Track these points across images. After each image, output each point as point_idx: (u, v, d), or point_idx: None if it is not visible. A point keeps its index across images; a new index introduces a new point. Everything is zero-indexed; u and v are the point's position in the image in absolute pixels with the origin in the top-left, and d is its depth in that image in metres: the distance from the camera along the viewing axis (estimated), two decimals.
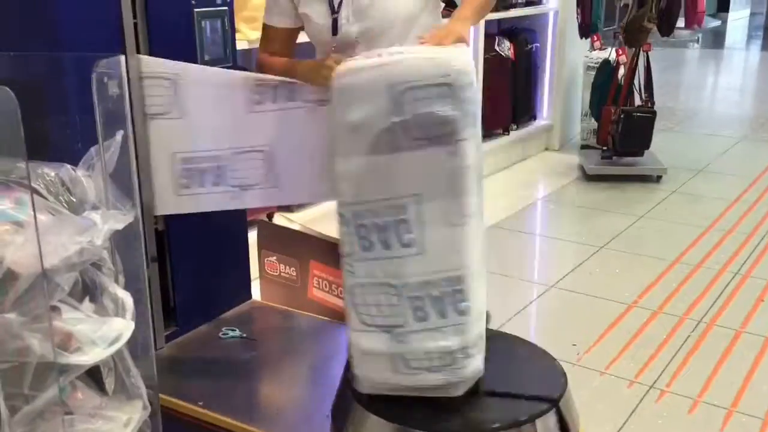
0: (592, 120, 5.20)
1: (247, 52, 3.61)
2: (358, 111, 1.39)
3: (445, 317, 1.41)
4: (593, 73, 5.19)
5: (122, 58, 1.13)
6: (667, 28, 4.81)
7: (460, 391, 1.47)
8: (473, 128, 1.40)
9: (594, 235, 3.88)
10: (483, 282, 1.52)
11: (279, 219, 3.31)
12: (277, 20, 1.98)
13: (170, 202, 1.91)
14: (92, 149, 1.10)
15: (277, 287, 2.69)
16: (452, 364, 1.43)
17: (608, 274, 3.44)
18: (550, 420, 1.46)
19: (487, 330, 1.70)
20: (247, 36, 3.01)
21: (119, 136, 1.09)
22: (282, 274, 2.69)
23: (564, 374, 1.59)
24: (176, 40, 2.01)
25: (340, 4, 1.80)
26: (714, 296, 3.17)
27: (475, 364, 1.46)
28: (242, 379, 1.99)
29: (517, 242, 3.90)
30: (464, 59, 1.39)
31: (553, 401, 1.49)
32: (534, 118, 5.58)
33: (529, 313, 3.09)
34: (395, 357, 1.45)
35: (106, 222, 1.01)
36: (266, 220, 3.31)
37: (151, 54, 1.93)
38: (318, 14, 1.85)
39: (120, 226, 1.04)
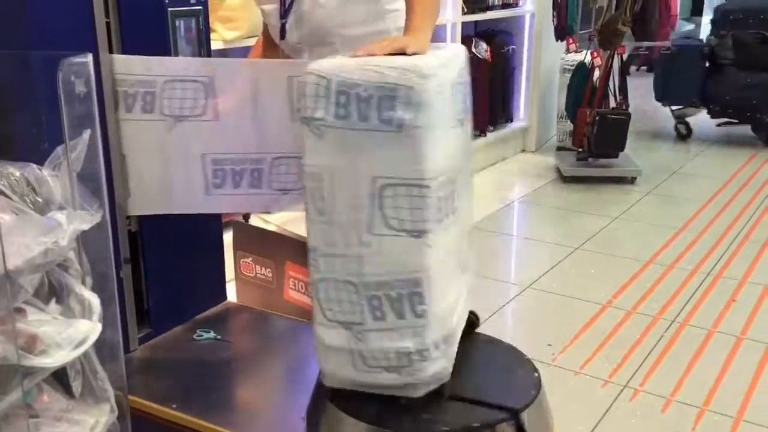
0: (568, 122, 5.24)
1: (222, 52, 3.60)
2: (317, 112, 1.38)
3: (403, 318, 1.41)
4: (569, 75, 5.23)
5: (89, 56, 1.11)
6: (641, 31, 4.86)
7: (418, 393, 1.46)
8: (435, 131, 1.38)
9: (569, 236, 3.91)
10: (457, 285, 1.52)
11: (255, 220, 3.29)
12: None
13: (198, 202, 1.93)
14: (58, 148, 1.08)
15: (253, 288, 2.67)
16: (409, 366, 1.43)
17: (583, 275, 3.46)
18: (507, 430, 1.47)
19: (473, 333, 1.71)
20: (223, 36, 2.99)
21: (86, 135, 1.07)
22: (258, 275, 2.67)
23: (537, 384, 1.58)
24: (149, 39, 1.99)
25: (288, 9, 1.80)
26: (687, 296, 3.21)
27: (435, 367, 1.45)
28: (217, 381, 1.97)
29: (494, 243, 3.91)
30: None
31: (514, 412, 1.48)
32: (510, 119, 5.61)
33: (505, 314, 3.10)
34: (354, 353, 1.46)
35: (72, 222, 0.99)
36: (242, 221, 3.30)
37: (123, 52, 1.91)
38: (271, 14, 1.86)
39: (86, 226, 1.02)
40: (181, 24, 2.06)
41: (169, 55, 2.04)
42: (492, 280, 3.38)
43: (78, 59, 1.08)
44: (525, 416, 1.50)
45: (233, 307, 2.43)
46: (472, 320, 1.74)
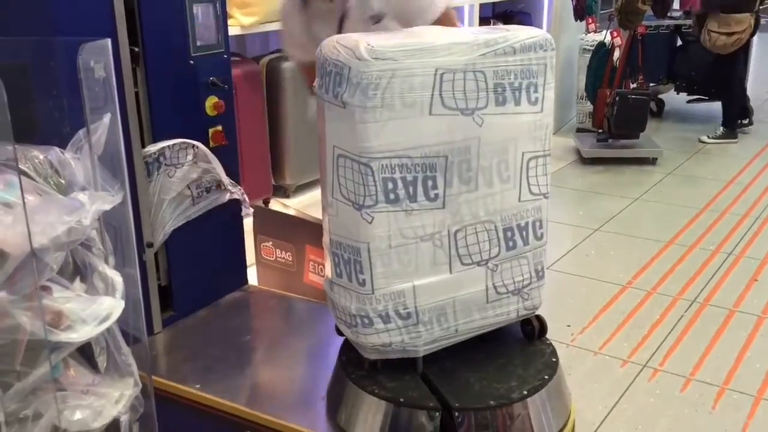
0: (588, 103, 5.20)
1: (240, 38, 3.63)
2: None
3: (351, 282, 1.55)
4: (588, 56, 5.19)
5: (108, 41, 1.14)
6: (661, 9, 4.81)
7: (369, 355, 1.58)
8: (387, 113, 1.41)
9: (590, 218, 3.89)
10: (436, 275, 1.54)
11: (275, 204, 3.33)
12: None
13: None
14: (80, 132, 1.11)
15: (273, 272, 2.71)
16: (355, 327, 1.56)
17: (603, 256, 3.46)
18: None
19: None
20: (240, 21, 3.01)
21: (106, 118, 1.10)
22: (278, 259, 2.71)
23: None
24: (168, 26, 2.01)
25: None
26: (708, 276, 3.19)
27: (383, 338, 1.54)
28: (239, 363, 2.00)
29: None
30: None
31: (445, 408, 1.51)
32: None
33: None
34: (330, 304, 1.66)
35: (94, 203, 1.02)
36: (262, 205, 3.34)
37: (142, 40, 1.94)
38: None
39: (108, 206, 1.05)
40: (198, 11, 2.08)
41: (188, 41, 2.06)
42: None
43: (97, 44, 1.11)
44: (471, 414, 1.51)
45: (254, 291, 2.46)
46: (531, 327, 1.75)
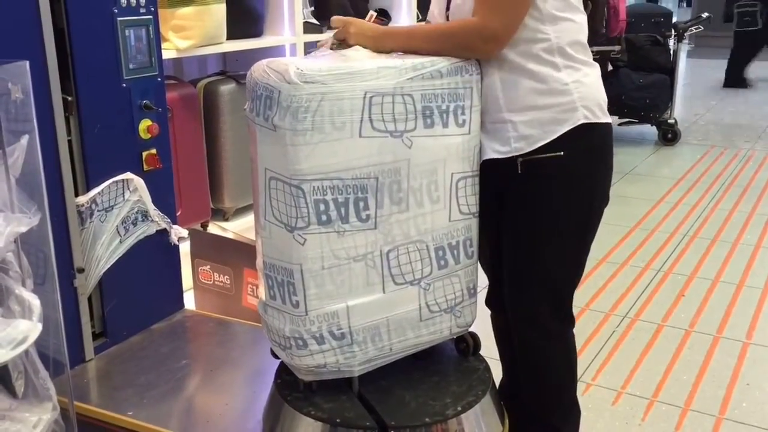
0: None
1: (177, 61, 3.60)
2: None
3: (285, 303, 1.56)
4: None
5: (26, 63, 1.13)
6: (591, 37, 4.98)
7: (304, 376, 1.60)
8: (317, 136, 1.44)
9: None
10: (371, 295, 1.56)
11: (213, 228, 3.30)
12: None
13: None
14: None
15: (212, 296, 2.68)
16: (290, 348, 1.57)
17: None
18: None
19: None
20: (176, 45, 3.00)
21: (24, 140, 1.09)
22: (216, 282, 2.68)
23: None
24: (99, 49, 2.00)
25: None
26: (638, 292, 3.30)
27: (317, 359, 1.56)
28: (174, 388, 1.98)
29: None
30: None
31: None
32: None
33: None
34: (265, 327, 1.67)
35: (9, 224, 1.00)
36: (200, 229, 3.30)
37: (73, 61, 1.92)
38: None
39: (23, 229, 1.03)
40: (131, 33, 2.08)
41: (120, 64, 2.05)
42: None
43: (14, 66, 1.10)
44: None
45: (191, 315, 2.44)
46: (465, 344, 1.78)
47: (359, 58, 1.54)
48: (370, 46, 1.59)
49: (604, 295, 3.28)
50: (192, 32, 3.04)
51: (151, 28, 2.14)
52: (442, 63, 1.55)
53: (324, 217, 1.49)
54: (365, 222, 1.53)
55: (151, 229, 2.23)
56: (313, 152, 1.45)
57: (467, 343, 1.79)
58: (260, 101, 1.48)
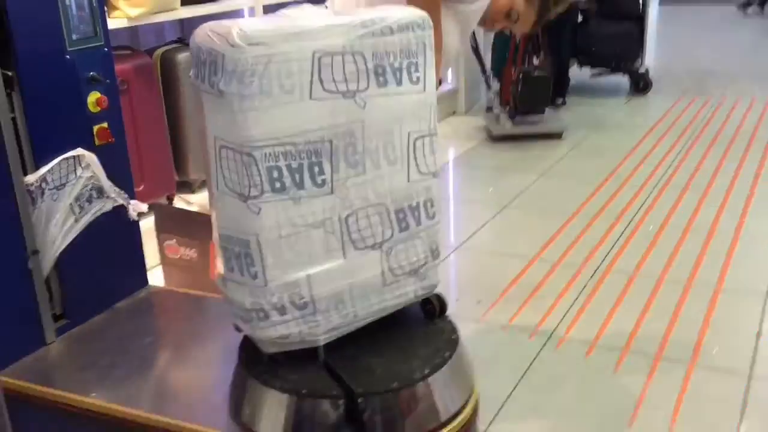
0: (496, 82, 5.28)
1: (133, 31, 3.49)
2: None
3: (242, 275, 1.49)
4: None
5: None
6: None
7: (268, 349, 1.55)
8: (266, 101, 1.38)
9: (499, 195, 3.97)
10: (335, 261, 1.52)
11: (178, 201, 3.23)
12: None
13: None
14: None
15: (179, 271, 2.64)
16: (251, 321, 1.52)
17: (512, 232, 3.53)
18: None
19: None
20: (127, 13, 2.89)
21: None
22: (182, 256, 2.64)
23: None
24: (39, 20, 1.91)
25: None
26: (611, 243, 3.31)
27: (280, 330, 1.51)
28: (139, 367, 1.94)
29: None
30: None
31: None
32: (440, 83, 5.60)
33: None
34: (226, 301, 1.59)
35: None
36: (165, 202, 3.23)
37: (10, 36, 1.83)
38: None
39: None
40: (72, 2, 1.98)
41: (62, 34, 1.96)
42: None
43: None
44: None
45: (156, 291, 2.38)
46: (431, 305, 1.73)
47: (305, 16, 1.48)
48: None
49: (577, 248, 3.28)
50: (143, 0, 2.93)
51: None
52: (392, 18, 1.49)
53: (278, 185, 1.44)
54: (321, 187, 1.48)
55: (107, 206, 2.16)
56: (262, 118, 1.39)
57: (433, 305, 1.77)
58: (205, 67, 1.41)
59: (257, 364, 1.61)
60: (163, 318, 2.26)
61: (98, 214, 2.14)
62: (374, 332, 1.69)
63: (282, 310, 1.51)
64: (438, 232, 1.71)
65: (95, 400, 1.76)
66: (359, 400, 1.49)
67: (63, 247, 2.04)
